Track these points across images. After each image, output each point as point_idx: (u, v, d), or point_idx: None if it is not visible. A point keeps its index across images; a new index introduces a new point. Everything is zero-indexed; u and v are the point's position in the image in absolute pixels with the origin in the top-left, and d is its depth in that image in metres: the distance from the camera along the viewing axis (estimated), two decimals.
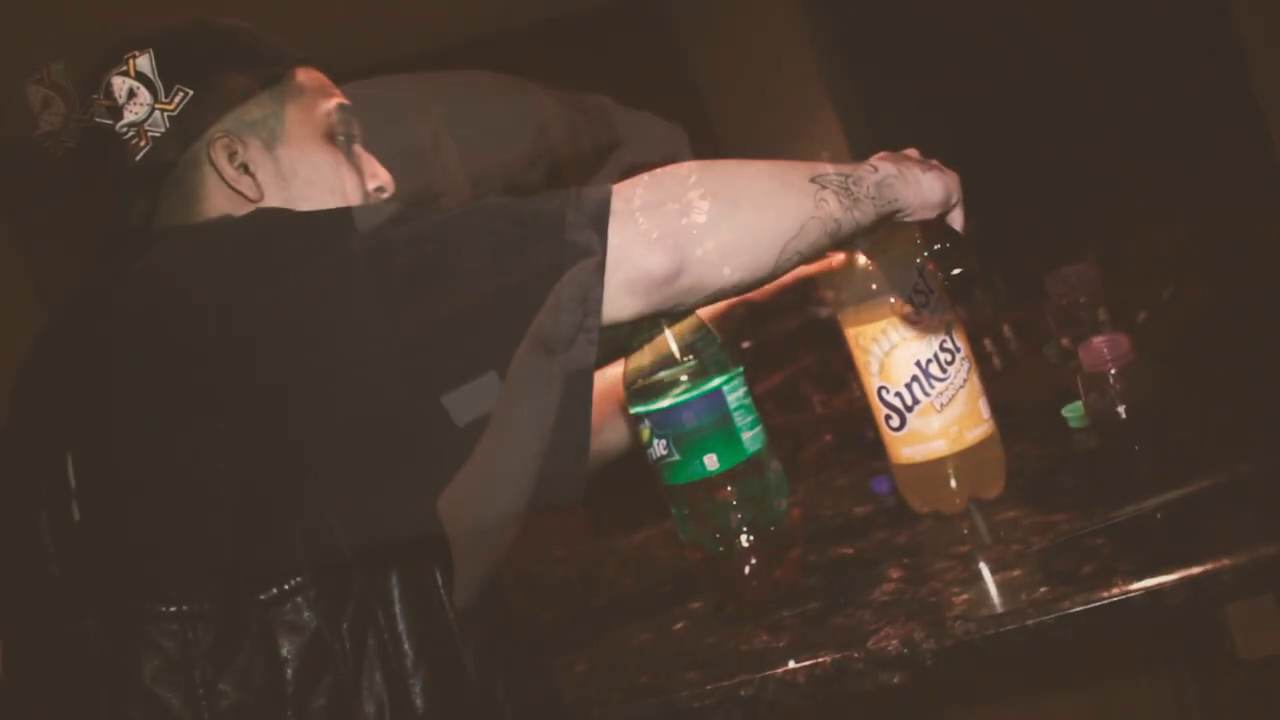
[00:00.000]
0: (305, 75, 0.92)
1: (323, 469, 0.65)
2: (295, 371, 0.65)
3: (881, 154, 0.90)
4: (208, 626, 0.70)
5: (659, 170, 0.75)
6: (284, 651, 0.71)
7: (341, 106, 0.93)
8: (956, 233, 0.92)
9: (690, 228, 0.71)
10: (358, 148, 0.95)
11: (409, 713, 0.75)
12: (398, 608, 0.76)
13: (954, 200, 0.91)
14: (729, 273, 0.74)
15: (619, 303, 0.69)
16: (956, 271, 0.90)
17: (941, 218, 0.91)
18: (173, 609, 0.69)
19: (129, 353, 0.68)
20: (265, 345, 0.65)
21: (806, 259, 0.80)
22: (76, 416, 0.70)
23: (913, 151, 0.93)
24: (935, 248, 0.90)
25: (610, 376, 1.12)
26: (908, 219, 0.88)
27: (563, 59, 3.99)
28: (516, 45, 3.92)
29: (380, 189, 0.96)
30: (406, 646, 0.75)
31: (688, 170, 0.75)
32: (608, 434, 1.17)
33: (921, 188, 0.88)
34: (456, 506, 0.67)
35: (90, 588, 0.70)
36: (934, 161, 0.91)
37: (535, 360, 0.66)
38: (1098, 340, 0.89)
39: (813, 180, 0.79)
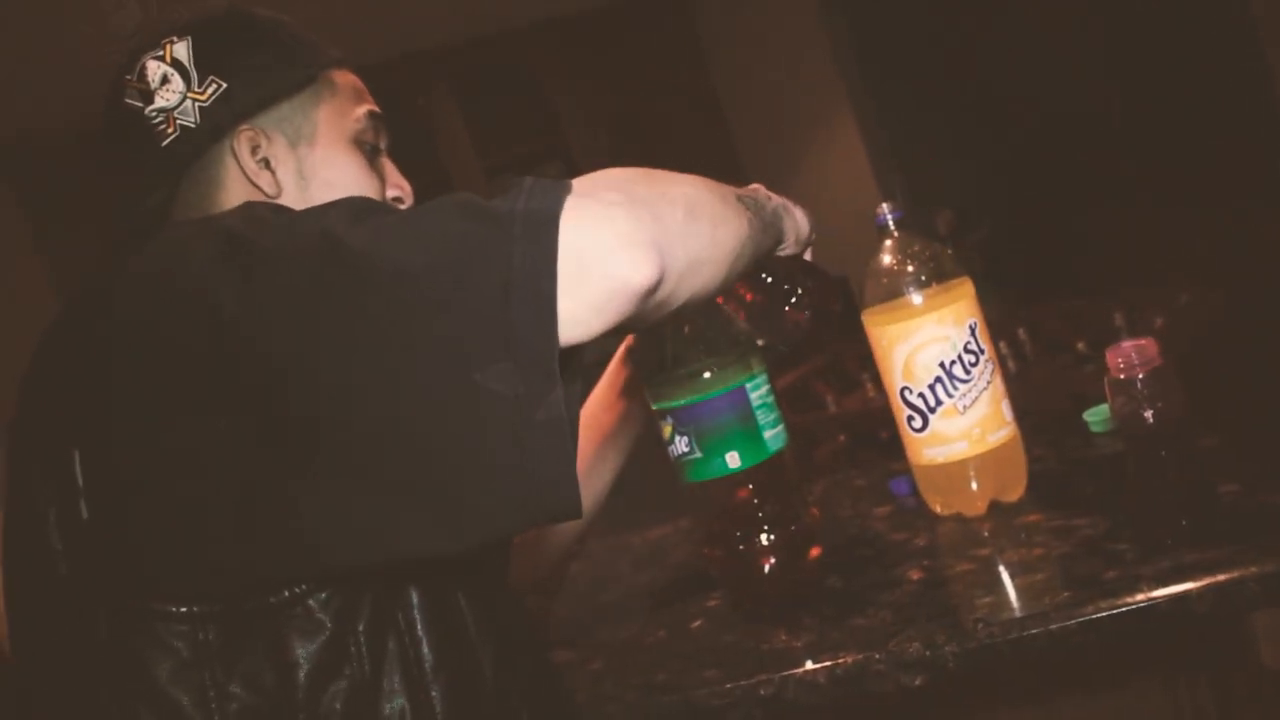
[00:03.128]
0: (341, 77, 0.91)
1: (320, 472, 0.63)
2: (280, 372, 0.63)
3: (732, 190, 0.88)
4: (218, 628, 0.68)
5: (599, 173, 0.69)
6: (296, 654, 0.69)
7: (372, 114, 0.92)
8: (820, 269, 0.92)
9: (667, 231, 0.65)
10: (383, 156, 0.94)
11: (429, 717, 0.73)
12: (417, 612, 0.74)
13: (813, 237, 0.91)
14: (697, 286, 0.69)
15: (582, 318, 0.62)
16: (832, 309, 0.90)
17: (800, 254, 0.91)
18: (183, 610, 0.68)
19: (128, 351, 0.67)
20: (251, 345, 0.63)
21: (734, 281, 0.75)
22: (81, 415, 0.69)
23: (759, 186, 0.90)
24: (809, 284, 0.89)
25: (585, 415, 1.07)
26: (781, 252, 0.86)
27: (563, 59, 3.98)
28: (516, 45, 3.91)
29: (399, 199, 0.94)
30: (426, 650, 0.73)
31: (633, 174, 0.69)
32: (594, 476, 1.14)
33: (797, 221, 0.87)
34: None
35: (99, 586, 0.69)
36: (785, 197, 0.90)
37: (477, 379, 0.60)
38: (1126, 344, 0.89)
39: (739, 199, 0.76)
